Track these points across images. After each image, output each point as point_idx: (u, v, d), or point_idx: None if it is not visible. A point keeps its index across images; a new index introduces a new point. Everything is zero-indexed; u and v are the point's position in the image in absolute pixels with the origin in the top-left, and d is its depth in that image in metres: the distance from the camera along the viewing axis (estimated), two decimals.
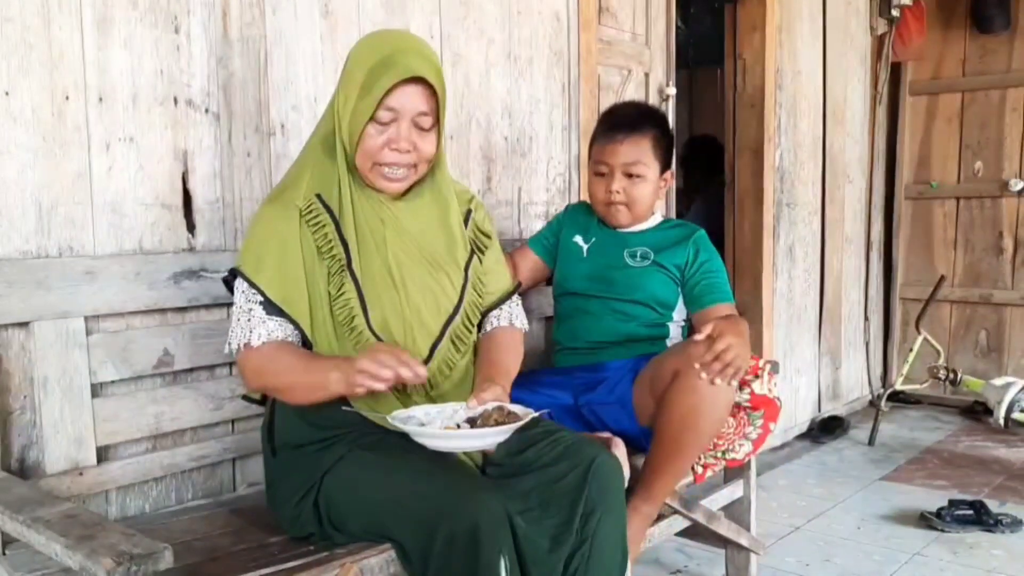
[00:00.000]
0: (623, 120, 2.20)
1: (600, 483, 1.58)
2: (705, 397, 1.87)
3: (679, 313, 2.24)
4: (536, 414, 1.62)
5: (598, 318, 2.20)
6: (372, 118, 1.60)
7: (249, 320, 1.61)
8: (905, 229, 4.85)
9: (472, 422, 1.59)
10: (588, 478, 1.57)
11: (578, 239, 2.29)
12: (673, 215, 3.39)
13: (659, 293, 2.19)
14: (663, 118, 2.27)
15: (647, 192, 2.20)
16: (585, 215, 2.33)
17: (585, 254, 2.26)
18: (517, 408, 1.62)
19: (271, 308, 1.60)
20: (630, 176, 2.17)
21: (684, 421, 1.89)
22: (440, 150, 1.73)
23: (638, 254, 2.21)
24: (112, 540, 1.20)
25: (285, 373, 1.59)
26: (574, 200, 2.82)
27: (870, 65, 4.60)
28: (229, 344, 1.64)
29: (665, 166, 2.23)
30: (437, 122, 1.67)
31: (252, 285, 1.61)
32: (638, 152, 2.16)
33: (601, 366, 2.16)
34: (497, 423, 1.56)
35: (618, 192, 2.17)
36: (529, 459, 1.62)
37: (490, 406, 1.61)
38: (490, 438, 1.56)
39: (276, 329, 1.61)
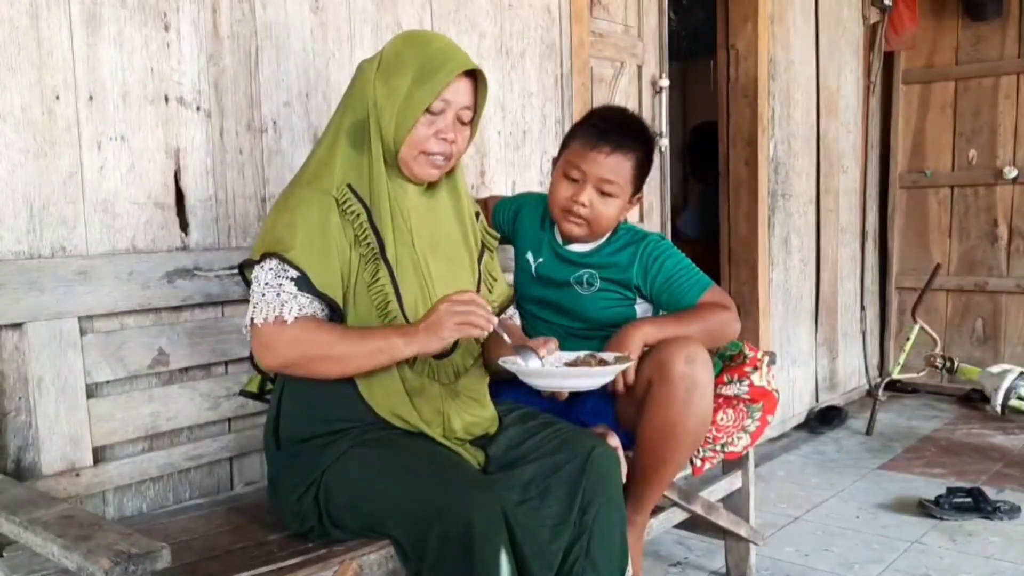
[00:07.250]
0: (613, 130, 2.00)
1: (598, 474, 1.60)
2: (680, 409, 1.83)
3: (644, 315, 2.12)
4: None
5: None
6: (427, 108, 1.63)
7: (279, 295, 1.56)
8: (900, 218, 4.85)
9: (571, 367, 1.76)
10: (586, 469, 1.59)
11: (529, 256, 2.14)
12: (668, 208, 3.38)
13: (610, 318, 2.05)
14: (652, 139, 2.09)
15: (613, 213, 2.03)
16: (538, 224, 2.16)
17: (534, 273, 2.12)
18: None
19: (303, 285, 1.57)
20: (602, 193, 2.00)
21: (662, 433, 1.85)
22: None
23: (584, 279, 2.06)
24: (109, 540, 1.20)
25: (338, 343, 1.57)
26: None
27: (863, 54, 4.59)
28: (251, 319, 1.57)
29: (637, 190, 2.07)
30: (473, 119, 1.71)
31: (288, 263, 1.56)
32: (619, 171, 1.99)
33: None
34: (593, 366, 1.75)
35: (584, 205, 1.99)
36: (528, 450, 1.65)
37: (576, 354, 1.79)
38: (601, 378, 1.72)
39: (307, 305, 1.58)
